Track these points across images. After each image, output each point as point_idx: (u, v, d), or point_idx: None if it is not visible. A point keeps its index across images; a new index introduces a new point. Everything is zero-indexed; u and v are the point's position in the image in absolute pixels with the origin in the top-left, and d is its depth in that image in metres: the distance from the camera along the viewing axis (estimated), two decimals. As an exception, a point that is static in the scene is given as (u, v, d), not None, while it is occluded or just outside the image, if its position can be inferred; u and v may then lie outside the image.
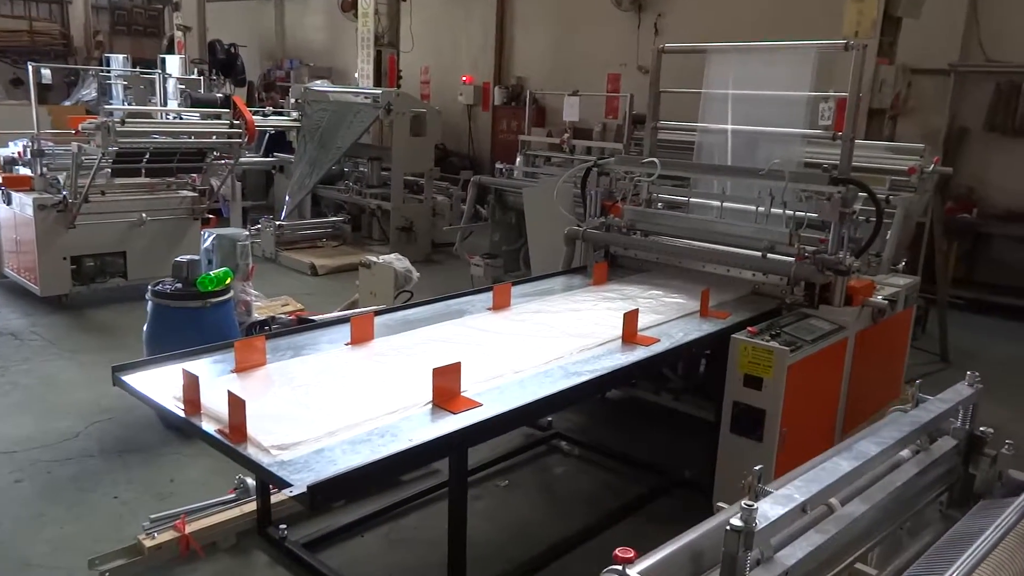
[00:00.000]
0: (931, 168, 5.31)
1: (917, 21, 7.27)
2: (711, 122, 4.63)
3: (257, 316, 5.09)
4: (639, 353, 3.27)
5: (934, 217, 6.14)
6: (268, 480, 2.34)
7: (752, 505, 1.21)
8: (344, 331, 3.37)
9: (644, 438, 4.58)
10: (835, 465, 1.45)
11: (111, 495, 3.76)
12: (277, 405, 2.59)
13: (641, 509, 3.81)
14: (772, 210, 4.24)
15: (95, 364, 5.31)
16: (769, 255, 4.11)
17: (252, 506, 3.46)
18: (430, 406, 2.64)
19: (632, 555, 1.25)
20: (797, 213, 4.13)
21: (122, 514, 3.59)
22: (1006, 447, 1.82)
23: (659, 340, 3.44)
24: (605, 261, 4.66)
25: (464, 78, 13.37)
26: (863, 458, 1.48)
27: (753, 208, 4.35)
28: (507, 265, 7.83)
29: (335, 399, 2.65)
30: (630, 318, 3.44)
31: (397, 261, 6.04)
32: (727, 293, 4.17)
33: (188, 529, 3.27)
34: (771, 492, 1.34)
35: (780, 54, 4.38)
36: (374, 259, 6.09)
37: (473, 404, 2.65)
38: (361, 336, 3.26)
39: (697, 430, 4.24)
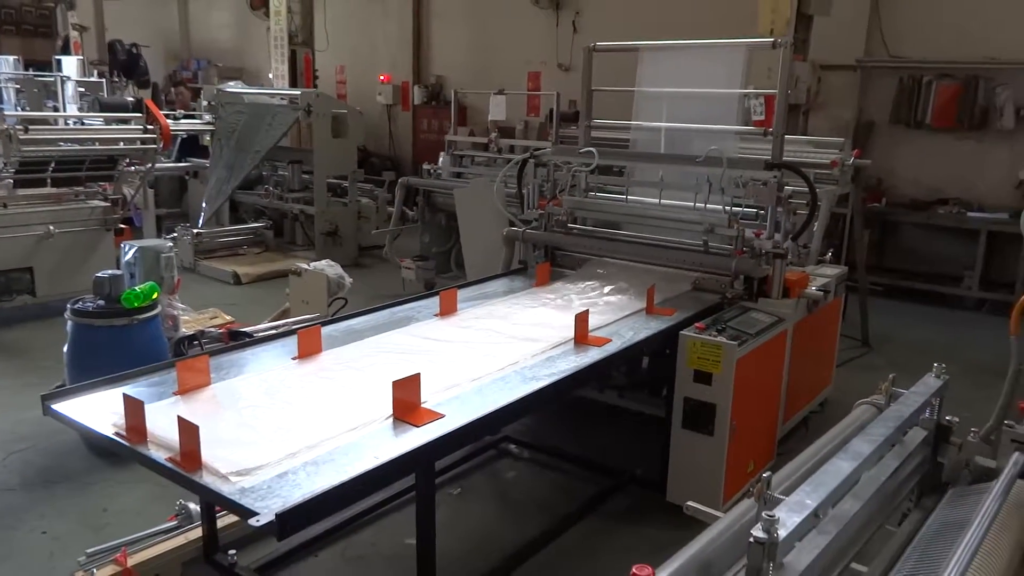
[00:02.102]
0: (851, 161, 5.52)
1: (824, 20, 7.57)
2: (645, 120, 4.68)
3: (185, 331, 4.86)
4: (593, 354, 3.26)
5: (854, 208, 6.39)
6: (231, 510, 2.21)
7: (772, 516, 1.20)
8: (288, 344, 3.24)
9: (592, 437, 4.59)
10: (836, 467, 1.46)
11: (38, 530, 3.51)
12: (230, 428, 2.45)
13: (596, 509, 3.80)
14: (710, 199, 4.29)
15: (9, 390, 4.96)
16: (710, 247, 4.18)
17: (197, 532, 3.28)
18: (391, 420, 2.56)
19: (650, 571, 1.22)
20: (734, 207, 4.21)
21: (53, 551, 3.35)
22: (971, 435, 1.88)
23: (611, 340, 3.44)
24: (547, 261, 4.64)
25: (382, 77, 13.16)
26: (859, 458, 1.50)
27: (691, 198, 4.40)
28: (439, 267, 7.75)
29: (291, 418, 2.53)
30: (581, 319, 3.43)
31: (329, 267, 5.88)
32: (670, 289, 4.22)
33: (130, 562, 3.08)
34: (782, 499, 1.33)
35: (711, 52, 4.46)
36: (305, 266, 5.91)
37: (436, 416, 2.58)
38: (309, 350, 3.14)
39: (643, 426, 4.29)
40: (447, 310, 3.78)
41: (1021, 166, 8.10)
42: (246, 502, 2.04)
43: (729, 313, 3.93)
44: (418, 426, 2.51)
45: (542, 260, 4.72)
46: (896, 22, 8.58)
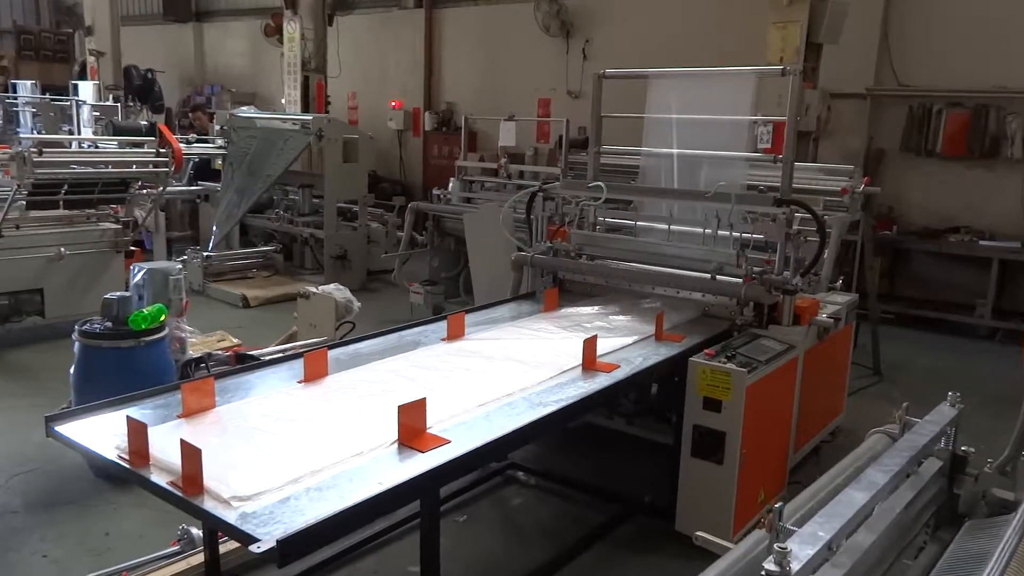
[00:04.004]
0: (861, 188, 5.51)
1: (834, 48, 7.59)
2: (654, 146, 4.68)
3: (192, 353, 4.85)
4: (601, 380, 3.23)
5: (864, 235, 6.36)
6: (232, 535, 2.18)
7: (785, 548, 1.17)
8: (295, 368, 3.23)
9: (600, 464, 4.54)
10: (850, 498, 1.43)
11: (39, 554, 3.48)
12: (233, 452, 2.43)
13: (604, 537, 3.75)
14: (719, 232, 4.30)
15: (15, 410, 4.96)
16: (718, 277, 4.16)
17: (199, 558, 3.24)
18: (396, 445, 2.53)
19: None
20: (743, 235, 4.20)
21: (53, 575, 3.32)
22: (987, 466, 1.84)
23: (619, 366, 3.41)
24: (555, 287, 4.62)
25: (393, 103, 13.27)
26: (874, 488, 1.46)
27: (700, 230, 4.40)
28: (447, 292, 7.74)
29: (295, 443, 2.51)
30: (589, 345, 3.40)
31: (337, 291, 5.88)
32: (679, 316, 4.19)
33: (130, 587, 3.05)
34: (795, 531, 1.30)
35: (721, 79, 4.47)
36: (313, 289, 5.91)
37: (441, 441, 2.55)
38: (315, 373, 3.12)
39: (652, 453, 4.23)
40: (454, 334, 3.76)
41: (1032, 195, 8.07)
42: (247, 528, 2.01)
43: (739, 340, 3.89)
44: (423, 452, 2.48)
45: (550, 286, 4.70)
46: (905, 51, 8.60)
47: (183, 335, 4.77)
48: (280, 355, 4.59)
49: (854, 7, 7.59)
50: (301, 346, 5.18)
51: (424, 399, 2.62)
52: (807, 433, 4.43)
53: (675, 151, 4.59)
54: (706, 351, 3.65)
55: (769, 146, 5.98)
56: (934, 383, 6.63)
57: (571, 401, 2.97)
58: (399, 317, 7.83)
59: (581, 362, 3.38)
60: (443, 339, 3.73)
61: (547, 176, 7.76)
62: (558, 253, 4.75)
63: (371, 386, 3.04)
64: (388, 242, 9.14)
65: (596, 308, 4.30)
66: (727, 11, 9.42)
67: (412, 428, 2.57)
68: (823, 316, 4.26)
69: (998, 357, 7.56)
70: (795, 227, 4.03)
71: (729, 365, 3.51)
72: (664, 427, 4.10)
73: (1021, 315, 7.97)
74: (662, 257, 4.50)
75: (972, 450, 1.85)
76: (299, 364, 3.18)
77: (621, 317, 4.15)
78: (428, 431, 2.62)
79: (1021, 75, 7.87)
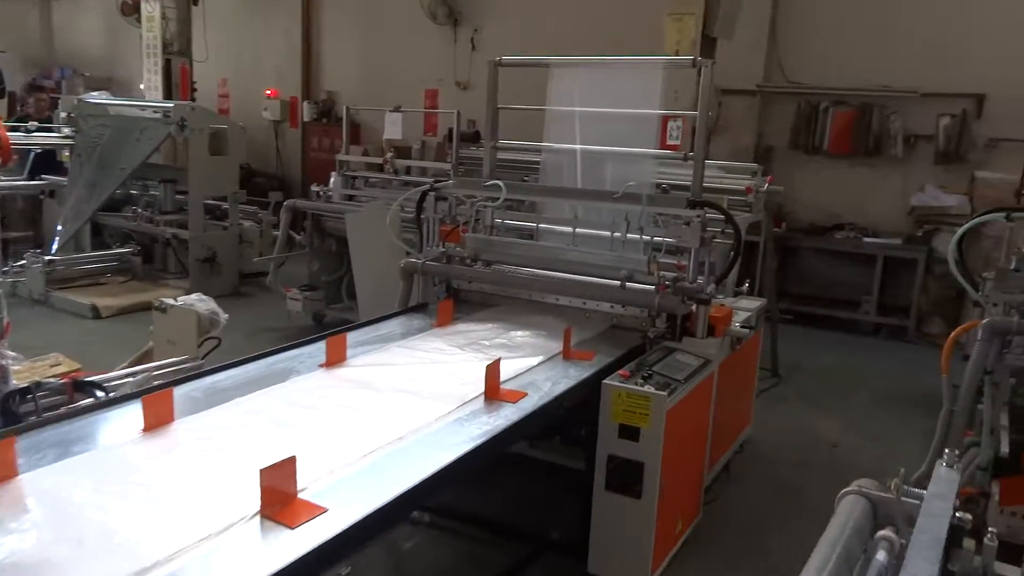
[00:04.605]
0: (765, 187, 5.33)
1: (725, 43, 7.45)
2: (557, 141, 4.29)
3: (16, 383, 4.06)
4: (508, 413, 2.79)
5: (766, 236, 6.22)
6: None
7: None
8: (136, 406, 2.61)
9: (503, 494, 4.10)
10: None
11: None
12: (36, 545, 1.83)
13: (510, 584, 3.33)
14: (628, 235, 3.95)
15: None
16: (628, 285, 3.81)
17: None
18: (257, 519, 2.00)
19: None
20: (654, 239, 3.87)
21: None
22: (988, 535, 1.52)
23: (526, 394, 2.98)
24: (449, 298, 4.15)
25: (268, 92, 12.37)
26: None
27: (607, 234, 4.03)
28: (329, 297, 7.12)
29: (121, 524, 1.93)
30: (492, 372, 2.95)
31: (200, 302, 5.15)
32: (587, 330, 3.82)
33: None
34: None
35: (628, 69, 4.12)
36: (170, 301, 5.17)
37: (316, 511, 2.04)
38: (158, 419, 2.52)
39: (560, 480, 3.84)
40: (335, 360, 3.22)
41: (912, 193, 8.25)
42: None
43: (653, 356, 3.55)
44: (293, 528, 1.96)
45: (444, 296, 4.23)
46: (793, 48, 8.63)
47: (4, 363, 3.98)
48: (128, 382, 3.93)
49: (744, 3, 7.48)
50: (156, 367, 4.48)
51: (293, 458, 2.09)
52: (720, 449, 4.17)
53: (579, 147, 4.22)
54: (620, 372, 3.29)
55: (679, 143, 5.72)
56: (830, 383, 6.62)
57: (475, 443, 2.51)
58: (275, 325, 7.16)
59: (483, 391, 2.93)
60: (321, 365, 3.19)
61: (436, 172, 7.25)
62: (452, 259, 4.29)
63: (229, 435, 2.47)
64: (263, 243, 8.37)
65: (495, 323, 3.86)
66: (622, 2, 9.18)
67: (278, 495, 2.04)
68: (737, 325, 3.99)
69: (885, 353, 7.69)
70: (710, 231, 3.74)
71: (647, 388, 3.15)
72: (571, 450, 3.71)
73: (903, 311, 8.14)
74: (566, 263, 4.11)
75: (969, 517, 1.54)
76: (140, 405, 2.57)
77: (523, 333, 3.73)
78: (300, 495, 2.10)
79: (904, 75, 8.01)
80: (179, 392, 2.81)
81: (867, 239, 8.28)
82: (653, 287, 3.72)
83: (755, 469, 4.70)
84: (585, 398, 3.22)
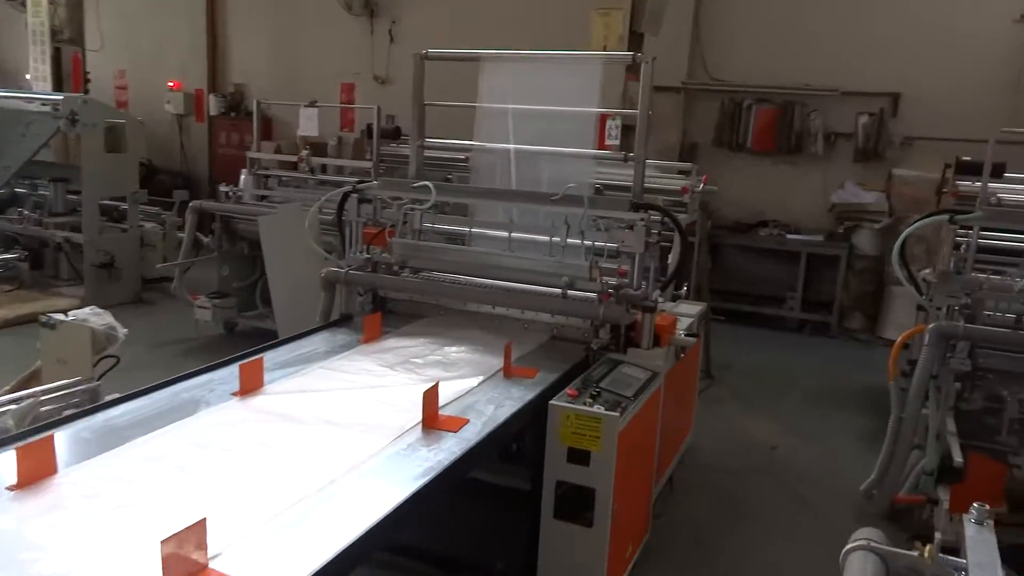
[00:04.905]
0: (700, 187, 5.20)
1: (651, 40, 7.34)
2: (489, 139, 4.02)
3: None
4: (450, 445, 2.51)
5: (701, 236, 6.12)
6: None
7: None
8: (11, 458, 2.20)
9: (437, 520, 3.79)
10: None
11: None
12: None
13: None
14: (568, 240, 3.71)
15: None
16: (570, 294, 3.58)
17: None
18: (159, 600, 1.66)
19: None
20: (596, 243, 3.65)
21: None
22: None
23: (468, 420, 2.71)
24: (378, 311, 3.83)
25: (171, 84, 11.61)
26: None
27: (545, 239, 3.78)
28: (241, 304, 6.66)
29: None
30: (430, 398, 2.66)
31: (94, 316, 4.64)
32: (527, 343, 3.56)
33: None
34: None
35: (564, 65, 3.88)
36: (60, 316, 4.64)
37: (231, 585, 1.71)
38: (36, 472, 2.12)
39: (505, 502, 3.57)
40: (250, 386, 2.86)
41: (832, 190, 8.34)
42: None
43: (598, 370, 3.33)
44: (202, 612, 1.63)
45: (370, 308, 3.90)
46: (716, 46, 8.61)
47: None
48: (6, 421, 3.46)
49: (670, -1, 7.39)
50: (44, 392, 3.98)
51: (203, 520, 1.76)
52: (665, 463, 4.00)
53: (512, 146, 3.95)
54: (568, 391, 3.04)
55: (618, 142, 5.53)
56: (761, 381, 6.61)
57: (416, 486, 2.21)
58: (182, 336, 6.65)
59: (421, 419, 2.63)
60: (235, 393, 2.82)
61: (355, 171, 6.88)
62: (378, 266, 3.96)
63: (124, 490, 2.10)
64: (167, 246, 7.77)
65: (427, 338, 3.56)
66: (548, -6, 8.97)
67: (185, 566, 1.71)
68: (681, 333, 3.81)
69: (810, 349, 7.76)
70: (654, 235, 3.54)
71: (597, 409, 2.92)
72: (514, 469, 3.45)
73: (826, 306, 8.24)
74: (503, 270, 3.84)
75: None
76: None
77: (459, 348, 3.45)
78: (211, 565, 1.77)
79: (825, 73, 8.09)
80: (65, 433, 2.42)
81: (790, 236, 8.34)
82: (596, 295, 3.50)
83: (698, 479, 4.56)
84: (533, 422, 2.96)
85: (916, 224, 3.70)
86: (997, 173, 4.86)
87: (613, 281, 3.55)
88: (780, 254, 8.40)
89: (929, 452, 3.65)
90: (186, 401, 2.76)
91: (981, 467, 3.45)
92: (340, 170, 7.26)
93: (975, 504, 1.48)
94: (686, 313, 4.27)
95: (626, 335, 3.55)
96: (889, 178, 7.98)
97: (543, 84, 3.86)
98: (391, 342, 3.52)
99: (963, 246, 3.94)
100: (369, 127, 7.52)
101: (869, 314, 8.09)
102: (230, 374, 2.98)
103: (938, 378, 3.60)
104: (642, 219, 3.49)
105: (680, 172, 5.77)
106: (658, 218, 3.61)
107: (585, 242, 3.63)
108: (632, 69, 6.78)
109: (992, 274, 4.12)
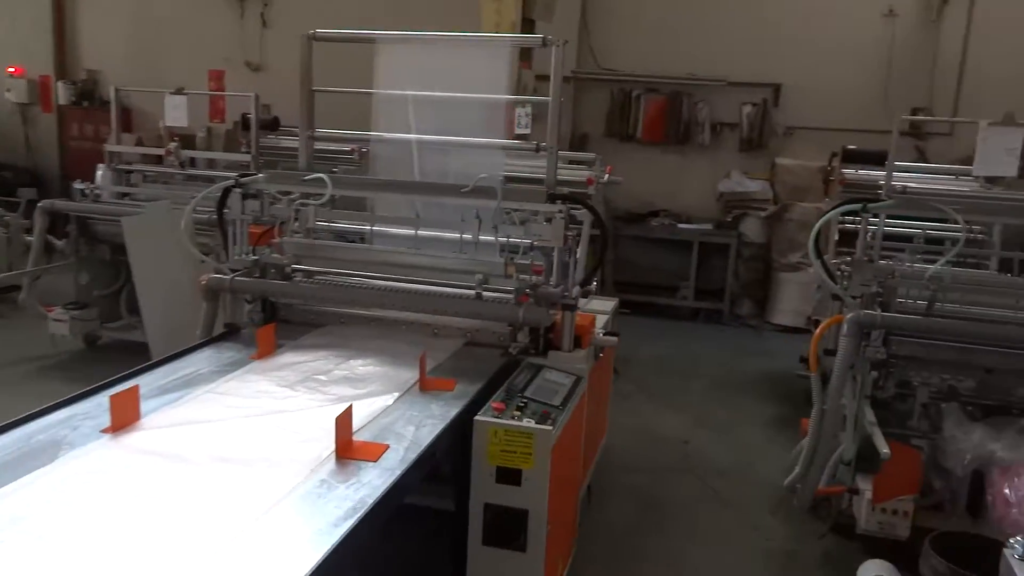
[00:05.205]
0: (605, 178, 5.04)
1: (540, 28, 7.14)
2: (388, 129, 3.68)
3: None
4: (371, 478, 2.18)
5: (606, 228, 5.97)
6: None
7: None
8: None
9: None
10: None
11: None
12: None
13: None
14: (481, 236, 3.43)
15: None
16: (485, 295, 3.31)
17: None
18: None
19: None
20: (510, 239, 3.39)
21: None
22: None
23: (387, 446, 2.39)
24: (271, 322, 3.41)
25: (11, 69, 10.44)
26: None
27: (455, 235, 3.48)
28: (104, 315, 5.99)
29: None
30: (343, 424, 2.32)
31: (-76, 338, 3.99)
32: (438, 349, 3.26)
33: None
34: None
35: (470, 48, 3.60)
36: None
37: None
38: None
39: (429, 523, 3.26)
40: (124, 421, 2.41)
41: (719, 179, 8.47)
42: None
43: (521, 378, 3.07)
44: None
45: (260, 318, 3.48)
46: (604, 35, 8.55)
47: None
48: None
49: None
50: None
51: (72, 615, 1.37)
52: (585, 470, 3.80)
53: (415, 136, 3.63)
54: (492, 403, 2.77)
55: (529, 131, 5.29)
56: (664, 372, 6.61)
57: (339, 536, 1.87)
58: (35, 353, 5.92)
59: (334, 448, 2.29)
60: (105, 430, 2.37)
61: (231, 164, 6.32)
62: (267, 270, 3.54)
63: (-37, 569, 1.66)
64: (13, 251, 6.87)
65: (329, 350, 3.19)
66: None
67: None
68: (600, 333, 3.61)
69: (705, 337, 7.84)
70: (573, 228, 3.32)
71: (527, 423, 2.66)
72: (436, 487, 3.14)
73: (717, 294, 8.37)
74: (409, 269, 3.51)
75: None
76: None
77: (366, 361, 3.10)
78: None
79: (711, 64, 8.18)
80: None
81: (681, 225, 8.42)
82: (513, 296, 3.25)
83: (615, 483, 4.42)
84: (458, 441, 2.67)
85: (830, 213, 3.67)
86: (879, 161, 4.99)
87: (531, 279, 3.31)
88: (672, 243, 8.46)
89: (847, 442, 3.63)
90: (43, 444, 2.29)
91: (898, 454, 3.45)
92: (212, 163, 6.66)
93: (1017, 539, 1.33)
94: (600, 310, 4.08)
95: (545, 337, 3.31)
96: (773, 167, 8.18)
97: (447, 69, 3.55)
98: (288, 357, 3.12)
99: (870, 234, 3.96)
100: (244, 117, 6.93)
101: (758, 300, 8.27)
102: (97, 406, 2.52)
103: (854, 367, 3.58)
104: (560, 211, 3.27)
105: (574, 162, 5.58)
106: (579, 210, 3.40)
107: (500, 238, 3.36)
108: (525, 56, 6.57)
109: (888, 260, 4.20)
